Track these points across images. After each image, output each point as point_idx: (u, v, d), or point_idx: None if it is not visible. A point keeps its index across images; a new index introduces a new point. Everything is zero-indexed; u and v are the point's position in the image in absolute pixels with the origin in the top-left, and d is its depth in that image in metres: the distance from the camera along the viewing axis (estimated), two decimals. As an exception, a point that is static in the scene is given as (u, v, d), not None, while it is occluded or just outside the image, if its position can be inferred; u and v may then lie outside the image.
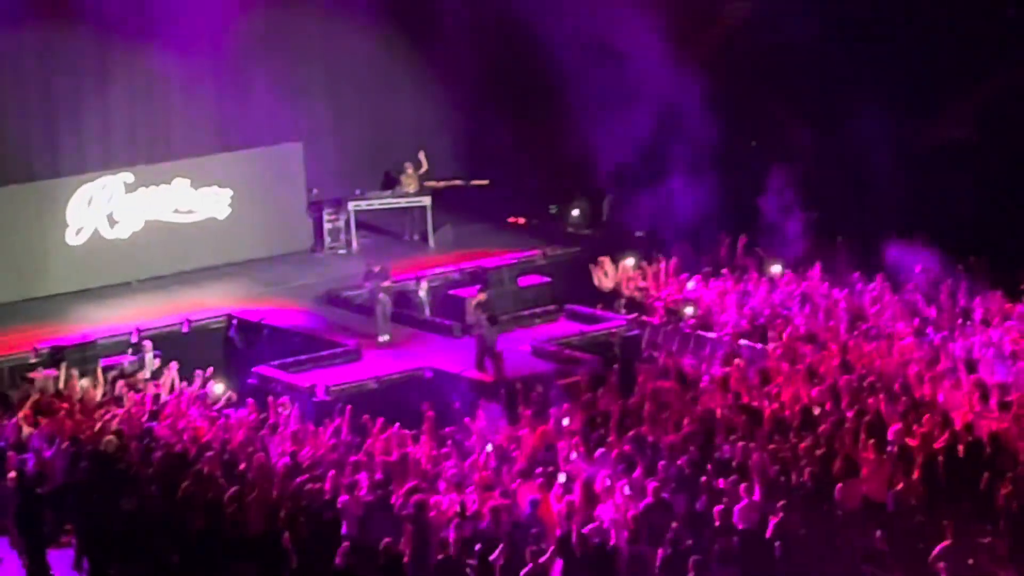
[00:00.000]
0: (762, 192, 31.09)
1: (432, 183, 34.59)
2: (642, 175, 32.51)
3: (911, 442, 20.82)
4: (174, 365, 26.52)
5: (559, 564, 18.19)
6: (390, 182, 34.36)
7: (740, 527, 18.61)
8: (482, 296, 27.76)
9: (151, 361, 27.52)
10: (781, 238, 30.34)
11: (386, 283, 29.10)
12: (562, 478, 20.30)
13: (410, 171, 34.06)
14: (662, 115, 31.51)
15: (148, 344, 27.88)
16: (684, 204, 31.03)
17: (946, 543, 18.28)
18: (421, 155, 34.10)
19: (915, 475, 19.97)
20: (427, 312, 30.14)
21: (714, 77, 31.87)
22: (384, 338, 28.38)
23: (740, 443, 20.95)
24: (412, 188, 33.94)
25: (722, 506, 18.92)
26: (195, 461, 21.53)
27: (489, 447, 21.23)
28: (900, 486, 19.66)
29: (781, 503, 19.03)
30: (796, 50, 31.18)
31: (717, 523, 18.69)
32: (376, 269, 29.49)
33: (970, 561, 18.47)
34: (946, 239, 28.74)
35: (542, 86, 33.63)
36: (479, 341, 26.64)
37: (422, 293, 30.40)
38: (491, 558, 18.25)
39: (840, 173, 31.76)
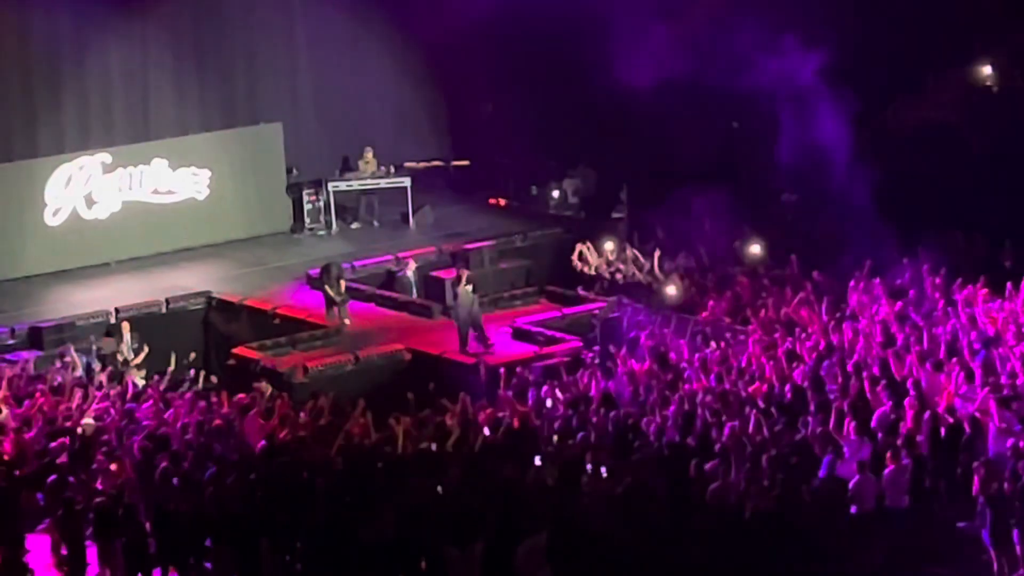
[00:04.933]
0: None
1: (412, 164, 34.59)
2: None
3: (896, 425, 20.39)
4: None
5: None
6: (348, 167, 34.36)
7: (715, 507, 18.54)
8: (465, 273, 27.57)
9: (129, 342, 27.45)
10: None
11: (343, 281, 29.02)
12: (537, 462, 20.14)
13: (369, 156, 34.09)
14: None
15: (126, 325, 27.84)
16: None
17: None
18: (368, 152, 34.13)
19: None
20: (415, 294, 30.12)
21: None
22: (347, 321, 28.50)
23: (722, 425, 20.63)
24: (370, 172, 33.98)
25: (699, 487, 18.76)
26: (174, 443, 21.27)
27: None
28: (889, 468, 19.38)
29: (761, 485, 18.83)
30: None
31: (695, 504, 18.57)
32: (332, 270, 29.27)
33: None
34: (930, 221, 28.53)
35: (524, 62, 33.57)
36: (459, 320, 26.54)
37: (410, 274, 30.35)
38: None
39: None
